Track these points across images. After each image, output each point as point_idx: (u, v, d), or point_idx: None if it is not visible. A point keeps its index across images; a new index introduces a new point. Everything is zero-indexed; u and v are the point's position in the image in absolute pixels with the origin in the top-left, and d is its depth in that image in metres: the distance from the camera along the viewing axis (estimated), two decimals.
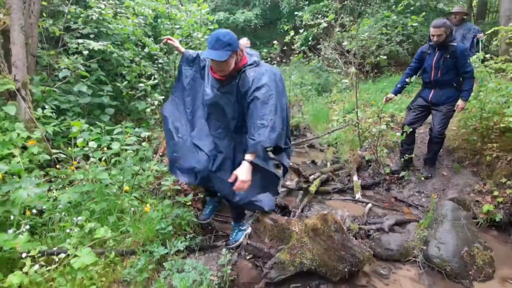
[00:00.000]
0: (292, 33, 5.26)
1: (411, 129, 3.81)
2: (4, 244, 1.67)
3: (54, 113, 2.81)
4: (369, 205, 3.49)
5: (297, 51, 6.87)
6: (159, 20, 5.07)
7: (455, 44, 3.46)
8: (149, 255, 2.07)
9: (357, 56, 5.65)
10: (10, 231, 1.73)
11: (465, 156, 3.97)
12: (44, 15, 3.42)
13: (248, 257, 2.60)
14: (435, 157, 3.93)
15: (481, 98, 3.72)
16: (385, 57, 5.93)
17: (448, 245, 2.58)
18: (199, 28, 3.80)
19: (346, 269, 2.28)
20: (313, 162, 4.96)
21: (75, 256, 1.71)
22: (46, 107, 2.72)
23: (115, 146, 2.30)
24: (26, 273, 1.62)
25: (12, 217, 1.81)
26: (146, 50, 4.38)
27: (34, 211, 1.94)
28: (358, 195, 3.72)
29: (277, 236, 2.59)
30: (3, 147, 2.12)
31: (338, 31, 5.71)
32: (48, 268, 1.72)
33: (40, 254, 1.71)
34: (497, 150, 3.60)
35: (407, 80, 3.80)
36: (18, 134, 2.26)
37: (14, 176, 2.01)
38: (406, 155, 3.97)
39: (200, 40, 3.85)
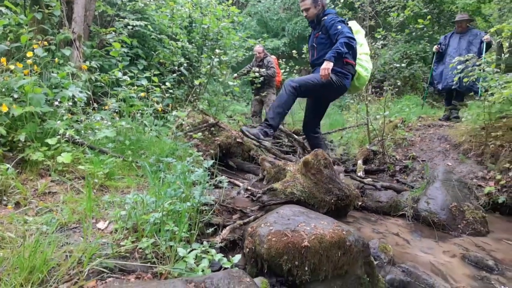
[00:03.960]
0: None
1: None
2: (52, 125, 2.12)
3: (97, 70, 3.39)
4: (369, 179, 3.64)
5: None
6: (193, 24, 5.84)
7: (325, 18, 3.06)
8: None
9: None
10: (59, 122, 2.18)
11: (470, 148, 4.06)
12: (101, 0, 4.22)
13: (246, 196, 2.86)
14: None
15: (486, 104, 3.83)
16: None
17: (437, 199, 2.70)
18: (224, 21, 4.41)
19: (332, 201, 2.48)
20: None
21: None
22: (92, 63, 3.31)
23: (144, 82, 2.79)
24: (59, 143, 2.03)
25: (59, 108, 2.26)
26: (180, 44, 5.06)
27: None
28: (360, 173, 3.89)
29: (274, 177, 2.85)
30: (59, 74, 2.62)
31: None
32: (77, 149, 2.13)
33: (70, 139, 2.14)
34: (502, 140, 3.70)
35: None
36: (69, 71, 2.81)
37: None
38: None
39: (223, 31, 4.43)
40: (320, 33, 3.10)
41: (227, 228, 1.73)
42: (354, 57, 3.16)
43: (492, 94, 3.80)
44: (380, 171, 4.29)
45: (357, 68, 3.20)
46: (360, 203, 2.88)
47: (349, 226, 1.63)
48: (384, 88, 5.11)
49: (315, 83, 3.01)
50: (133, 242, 1.34)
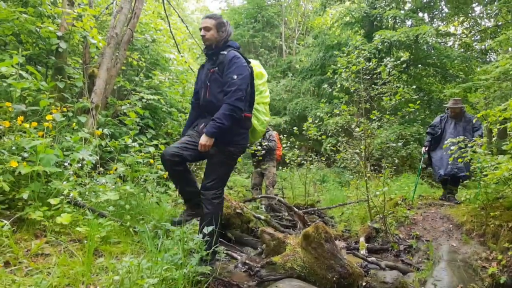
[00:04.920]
0: (310, 119, 6.17)
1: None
2: (57, 186, 2.16)
3: (108, 137, 3.58)
4: (373, 258, 3.48)
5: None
6: None
7: (225, 52, 2.41)
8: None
9: (366, 146, 6.26)
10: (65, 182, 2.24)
11: (472, 228, 3.98)
12: (121, 76, 4.65)
13: (243, 270, 2.72)
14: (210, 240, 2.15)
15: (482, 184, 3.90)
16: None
17: (443, 281, 2.58)
18: None
19: (334, 278, 2.35)
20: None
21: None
22: (105, 130, 3.51)
23: (151, 149, 2.91)
24: (61, 203, 2.05)
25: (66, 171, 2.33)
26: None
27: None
28: (363, 252, 3.73)
29: (274, 250, 2.75)
30: (73, 138, 2.77)
31: (356, 129, 6.43)
32: (77, 211, 2.14)
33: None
34: (501, 220, 3.67)
35: None
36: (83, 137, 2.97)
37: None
38: None
39: None
40: (216, 69, 2.44)
41: None
42: (251, 106, 2.55)
43: (486, 175, 3.89)
44: (383, 250, 4.11)
45: (252, 120, 2.57)
46: (364, 283, 2.71)
47: None
48: (382, 165, 5.26)
49: (224, 164, 2.45)
50: None
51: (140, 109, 3.94)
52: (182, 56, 5.86)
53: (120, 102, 4.36)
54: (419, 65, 12.43)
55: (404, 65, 8.86)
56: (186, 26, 7.07)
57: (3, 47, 3.31)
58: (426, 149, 5.42)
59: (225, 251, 3.25)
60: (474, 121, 4.90)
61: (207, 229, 2.06)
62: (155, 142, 3.17)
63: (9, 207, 2.03)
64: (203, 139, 2.24)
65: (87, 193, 2.39)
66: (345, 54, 6.30)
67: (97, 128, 3.53)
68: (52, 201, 1.99)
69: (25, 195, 1.88)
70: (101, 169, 3.09)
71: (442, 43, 13.03)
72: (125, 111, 3.95)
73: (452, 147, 4.36)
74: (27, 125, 2.16)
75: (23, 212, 1.88)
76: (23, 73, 2.46)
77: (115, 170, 2.80)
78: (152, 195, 2.84)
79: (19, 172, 2.03)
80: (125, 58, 4.40)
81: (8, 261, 1.54)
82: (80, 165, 2.43)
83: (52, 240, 1.83)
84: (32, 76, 2.77)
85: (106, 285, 1.42)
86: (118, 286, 1.40)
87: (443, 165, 5.11)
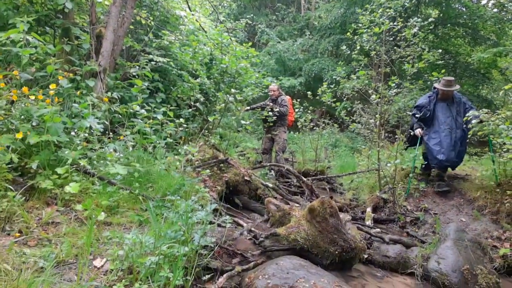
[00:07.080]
0: (325, 84, 5.93)
1: None
2: (65, 155, 2.18)
3: (118, 100, 3.54)
4: (377, 230, 3.52)
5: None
6: (213, 62, 6.11)
7: None
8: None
9: (382, 113, 6.02)
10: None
11: (485, 204, 3.92)
12: (129, 36, 4.49)
13: (248, 238, 2.80)
14: None
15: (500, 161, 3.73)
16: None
17: (448, 260, 2.57)
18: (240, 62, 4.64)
19: (337, 252, 2.39)
20: (331, 198, 5.09)
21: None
22: (114, 93, 3.47)
23: (159, 116, 2.89)
24: (68, 172, 2.08)
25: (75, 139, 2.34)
26: (199, 81, 5.27)
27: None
28: (368, 222, 3.77)
29: (279, 220, 2.80)
30: (81, 105, 2.76)
31: (372, 96, 6.12)
32: (86, 180, 2.18)
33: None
34: None
35: None
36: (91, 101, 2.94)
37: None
38: None
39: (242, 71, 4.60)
40: None
41: (224, 276, 1.68)
42: None
43: (507, 150, 3.73)
44: (389, 221, 4.15)
45: None
46: (366, 256, 2.77)
47: (350, 286, 1.55)
48: (396, 136, 5.10)
49: None
50: (125, 286, 1.31)
51: (149, 72, 3.85)
52: (193, 14, 5.57)
53: (129, 63, 4.27)
54: (448, 25, 11.51)
55: (432, 26, 8.19)
56: None
57: (16, 10, 3.19)
58: (423, 131, 4.72)
59: (231, 218, 3.35)
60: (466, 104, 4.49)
61: None
62: (164, 107, 3.14)
63: (22, 174, 2.09)
64: None
65: (96, 161, 2.42)
66: (367, 12, 5.84)
67: (106, 92, 3.49)
68: (59, 170, 2.03)
69: (34, 165, 1.92)
70: (111, 134, 3.11)
71: (475, 2, 11.89)
72: (134, 74, 3.87)
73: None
74: (33, 96, 2.14)
75: (34, 181, 1.93)
76: (29, 38, 2.39)
77: (124, 137, 2.81)
78: (161, 163, 2.86)
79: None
80: (133, 16, 4.22)
81: (20, 230, 1.61)
82: (88, 133, 2.44)
83: (63, 209, 1.90)
84: (39, 40, 2.69)
85: (112, 258, 1.48)
86: (123, 260, 1.46)
87: (445, 151, 4.45)
